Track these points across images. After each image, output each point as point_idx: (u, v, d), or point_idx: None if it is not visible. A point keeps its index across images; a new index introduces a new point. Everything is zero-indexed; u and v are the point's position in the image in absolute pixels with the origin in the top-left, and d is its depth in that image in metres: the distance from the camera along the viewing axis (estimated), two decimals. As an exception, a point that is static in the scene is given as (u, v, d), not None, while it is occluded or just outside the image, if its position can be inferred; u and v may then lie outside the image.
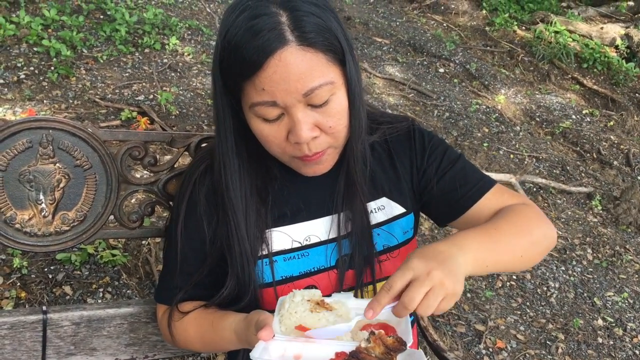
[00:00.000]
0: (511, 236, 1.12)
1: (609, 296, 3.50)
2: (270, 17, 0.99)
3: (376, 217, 1.26)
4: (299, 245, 1.22)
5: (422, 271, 0.93)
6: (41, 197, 1.32)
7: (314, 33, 1.00)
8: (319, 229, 1.23)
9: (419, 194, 1.30)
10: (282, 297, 1.08)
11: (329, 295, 1.09)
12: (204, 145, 1.44)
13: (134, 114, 3.73)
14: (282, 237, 1.22)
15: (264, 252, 1.20)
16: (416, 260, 0.95)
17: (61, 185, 1.33)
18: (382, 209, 1.27)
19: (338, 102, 1.07)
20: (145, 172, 2.87)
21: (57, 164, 1.32)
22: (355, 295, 1.20)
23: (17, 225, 1.32)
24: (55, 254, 2.58)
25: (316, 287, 1.13)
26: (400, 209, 1.28)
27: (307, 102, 1.03)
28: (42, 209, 1.33)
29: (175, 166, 1.45)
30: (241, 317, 1.10)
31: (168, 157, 3.24)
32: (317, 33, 1.01)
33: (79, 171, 1.35)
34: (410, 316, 1.04)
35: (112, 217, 1.41)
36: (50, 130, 1.30)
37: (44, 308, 1.37)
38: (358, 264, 1.23)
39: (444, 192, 1.26)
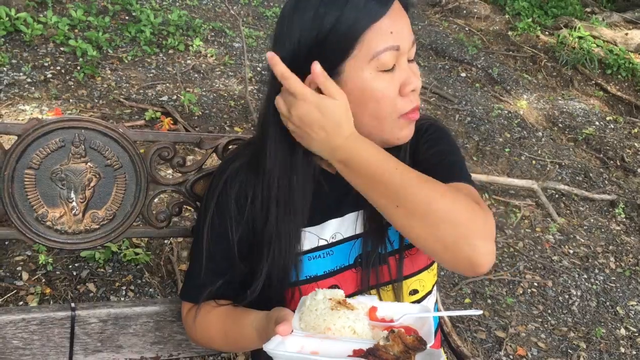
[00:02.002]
0: (406, 184, 1.02)
1: (631, 305, 3.46)
2: None
3: None
4: (326, 243, 1.23)
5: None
6: (72, 195, 1.34)
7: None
8: (345, 226, 1.24)
9: None
10: (304, 297, 1.09)
11: (352, 296, 1.09)
12: (231, 147, 1.45)
13: (158, 114, 3.77)
14: (309, 237, 1.23)
15: (298, 251, 1.21)
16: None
17: (92, 184, 1.36)
18: None
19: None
20: (170, 172, 2.90)
21: (89, 163, 1.34)
22: (379, 297, 1.20)
23: (49, 223, 1.35)
24: (80, 251, 2.62)
25: (339, 287, 1.14)
26: None
27: (408, 57, 1.12)
28: (73, 207, 1.35)
29: (203, 167, 1.46)
30: (262, 314, 1.11)
31: (190, 157, 3.27)
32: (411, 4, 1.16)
33: (110, 170, 1.37)
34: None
35: (140, 216, 1.43)
36: (83, 130, 1.32)
37: (73, 305, 1.39)
38: (375, 262, 1.23)
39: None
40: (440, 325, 1.53)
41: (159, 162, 1.43)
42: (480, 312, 0.93)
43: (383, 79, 1.08)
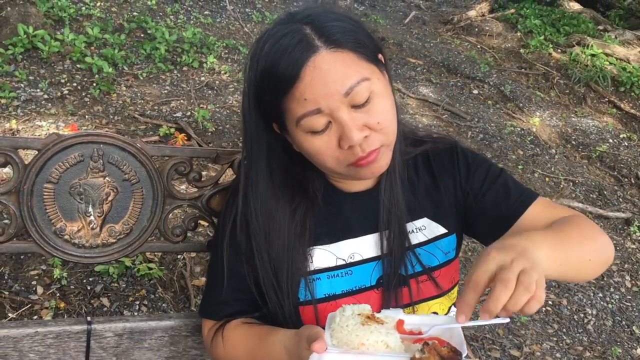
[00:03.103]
0: (579, 240, 1.09)
1: (648, 325, 3.41)
2: (294, 33, 1.04)
3: (417, 237, 1.26)
4: (344, 262, 1.23)
5: (505, 260, 0.90)
6: (90, 209, 1.36)
7: (339, 34, 1.04)
8: (363, 247, 1.24)
9: (463, 213, 1.29)
10: (331, 313, 1.09)
11: (379, 312, 1.09)
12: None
13: (172, 130, 3.80)
14: (326, 255, 1.23)
15: (308, 269, 1.21)
16: (495, 252, 0.92)
17: (109, 198, 1.37)
18: (424, 229, 1.27)
19: (380, 98, 1.08)
20: (183, 187, 2.92)
21: (107, 178, 1.36)
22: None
23: (67, 237, 1.36)
24: (94, 265, 2.63)
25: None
26: (441, 230, 1.27)
27: (350, 104, 1.04)
28: (91, 221, 1.36)
29: (219, 182, 1.47)
30: (291, 332, 1.11)
31: (204, 173, 3.29)
32: (342, 34, 1.04)
33: (127, 185, 1.38)
34: None
35: (156, 230, 1.44)
36: (101, 145, 1.34)
37: (89, 319, 1.39)
38: (397, 284, 1.23)
39: (488, 208, 1.25)
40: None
41: (175, 177, 1.45)
42: (507, 320, 0.93)
43: (315, 140, 1.08)
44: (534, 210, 1.22)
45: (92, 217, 1.36)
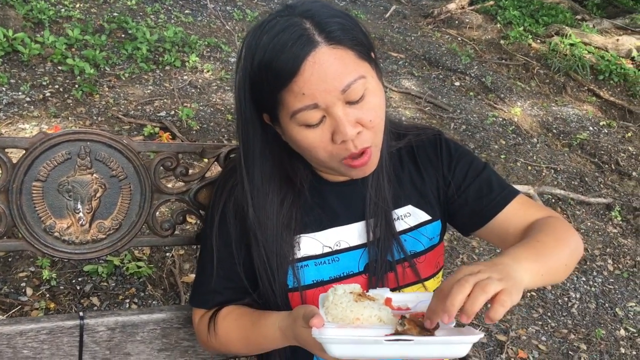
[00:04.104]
0: (555, 248, 1.12)
1: (630, 306, 3.49)
2: (294, 27, 1.05)
3: (402, 224, 1.30)
4: (330, 250, 1.26)
5: (473, 270, 0.92)
6: (79, 206, 1.38)
7: (340, 32, 1.06)
8: (350, 234, 1.27)
9: (445, 203, 1.33)
10: (322, 294, 1.13)
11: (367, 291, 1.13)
12: (232, 155, 1.49)
13: (156, 129, 3.81)
14: (313, 243, 1.26)
15: (296, 257, 1.24)
16: (464, 268, 0.94)
17: (98, 195, 1.39)
18: (408, 216, 1.31)
19: (373, 96, 1.10)
20: (170, 184, 2.93)
21: (94, 175, 1.38)
22: None
23: (56, 234, 1.38)
24: (82, 265, 2.64)
25: None
26: (425, 216, 1.31)
27: (345, 100, 1.06)
28: (80, 218, 1.38)
29: (205, 176, 1.50)
30: (285, 313, 1.14)
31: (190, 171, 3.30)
32: (342, 31, 1.06)
33: (115, 181, 1.40)
34: None
35: (145, 225, 1.46)
36: (88, 142, 1.36)
37: (81, 314, 1.42)
38: (384, 270, 1.26)
39: (469, 201, 1.29)
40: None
41: (164, 175, 1.47)
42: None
43: (309, 133, 1.10)
44: (512, 207, 1.26)
45: (81, 214, 1.38)
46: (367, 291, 1.17)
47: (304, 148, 1.13)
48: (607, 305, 3.45)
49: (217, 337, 1.27)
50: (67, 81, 4.16)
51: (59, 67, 4.27)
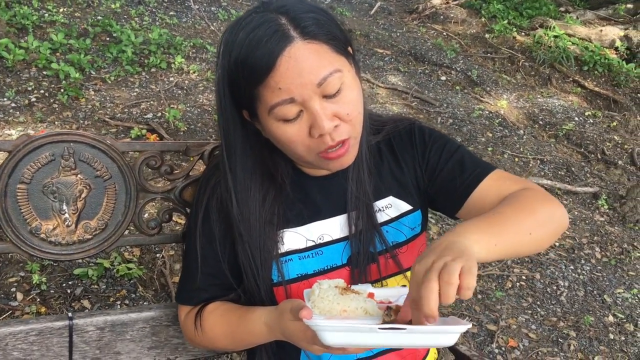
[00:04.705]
0: (514, 217, 1.10)
1: (618, 293, 3.53)
2: (270, 22, 1.07)
3: (383, 216, 1.31)
4: (313, 243, 1.28)
5: (427, 264, 0.92)
6: (64, 207, 1.38)
7: (314, 26, 1.07)
8: (332, 228, 1.29)
9: (424, 190, 1.35)
10: (307, 289, 1.15)
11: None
12: (217, 152, 1.50)
13: (144, 131, 3.81)
14: (296, 237, 1.28)
15: (280, 251, 1.26)
16: (417, 265, 0.95)
17: (83, 195, 1.40)
18: (389, 207, 1.32)
19: (350, 89, 1.12)
20: (160, 184, 2.94)
21: (79, 175, 1.39)
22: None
23: (42, 235, 1.38)
24: (72, 269, 2.64)
25: None
26: (406, 207, 1.33)
27: (321, 94, 1.08)
28: (66, 219, 1.39)
29: (190, 174, 1.51)
30: (271, 308, 1.16)
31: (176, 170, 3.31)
32: (317, 26, 1.08)
33: (100, 181, 1.41)
34: None
35: (131, 224, 1.47)
36: (71, 143, 1.37)
37: (70, 314, 1.42)
38: (366, 262, 1.28)
39: (445, 183, 1.30)
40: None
41: (149, 173, 1.48)
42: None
43: (287, 128, 1.11)
44: (485, 184, 1.25)
45: (66, 215, 1.39)
46: (350, 285, 1.20)
47: (282, 143, 1.15)
48: (595, 292, 3.49)
49: (203, 333, 1.28)
50: (53, 86, 4.15)
51: (44, 72, 4.25)
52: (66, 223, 1.40)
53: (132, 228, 1.49)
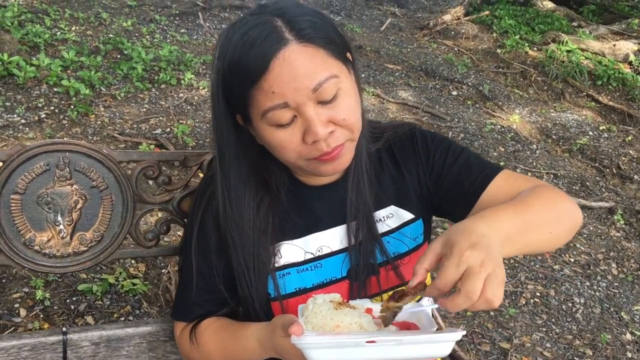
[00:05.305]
0: (538, 211, 1.06)
1: (636, 310, 3.42)
2: (264, 24, 1.03)
3: (385, 225, 1.27)
4: (312, 256, 1.23)
5: (476, 262, 0.88)
6: (59, 218, 1.35)
7: (310, 29, 1.03)
8: (332, 239, 1.24)
9: (429, 196, 1.30)
10: (301, 305, 1.10)
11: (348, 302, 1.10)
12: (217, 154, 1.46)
13: (152, 146, 3.80)
14: (294, 250, 1.23)
15: (277, 265, 1.21)
16: (469, 252, 0.89)
17: (78, 206, 1.37)
18: (391, 216, 1.28)
19: (346, 96, 1.07)
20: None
21: (74, 186, 1.36)
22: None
23: (37, 247, 1.35)
24: (77, 284, 2.61)
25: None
26: (408, 215, 1.28)
27: (317, 99, 1.04)
28: (61, 230, 1.36)
29: (189, 184, 1.47)
30: (263, 324, 1.12)
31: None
32: (313, 30, 1.04)
33: (95, 192, 1.38)
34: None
35: (128, 236, 1.44)
36: (67, 153, 1.34)
37: (64, 329, 1.39)
38: (366, 274, 1.23)
39: (452, 187, 1.25)
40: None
41: (154, 189, 1.45)
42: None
43: (280, 133, 1.07)
44: (495, 185, 1.21)
45: (61, 226, 1.36)
46: (349, 299, 1.15)
47: (273, 147, 1.11)
48: (612, 309, 3.39)
49: (198, 349, 1.24)
50: (63, 102, 4.17)
51: (55, 89, 4.28)
52: (61, 234, 1.36)
53: (129, 239, 1.45)
